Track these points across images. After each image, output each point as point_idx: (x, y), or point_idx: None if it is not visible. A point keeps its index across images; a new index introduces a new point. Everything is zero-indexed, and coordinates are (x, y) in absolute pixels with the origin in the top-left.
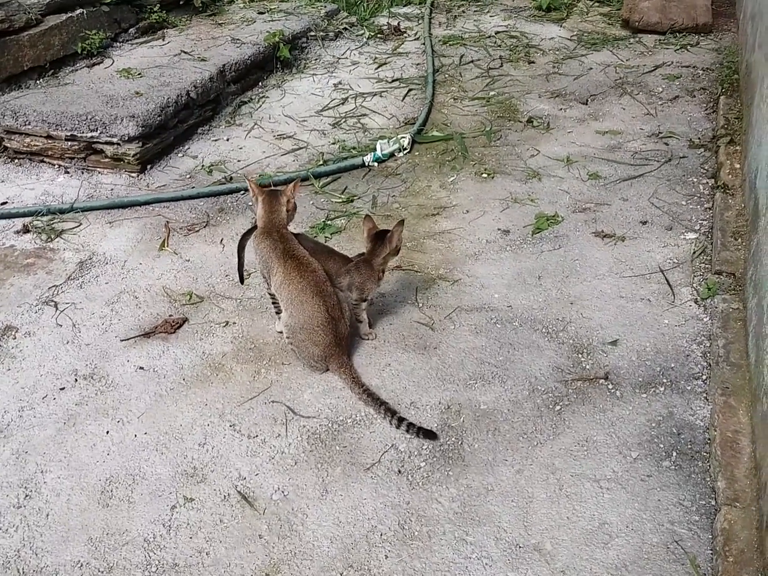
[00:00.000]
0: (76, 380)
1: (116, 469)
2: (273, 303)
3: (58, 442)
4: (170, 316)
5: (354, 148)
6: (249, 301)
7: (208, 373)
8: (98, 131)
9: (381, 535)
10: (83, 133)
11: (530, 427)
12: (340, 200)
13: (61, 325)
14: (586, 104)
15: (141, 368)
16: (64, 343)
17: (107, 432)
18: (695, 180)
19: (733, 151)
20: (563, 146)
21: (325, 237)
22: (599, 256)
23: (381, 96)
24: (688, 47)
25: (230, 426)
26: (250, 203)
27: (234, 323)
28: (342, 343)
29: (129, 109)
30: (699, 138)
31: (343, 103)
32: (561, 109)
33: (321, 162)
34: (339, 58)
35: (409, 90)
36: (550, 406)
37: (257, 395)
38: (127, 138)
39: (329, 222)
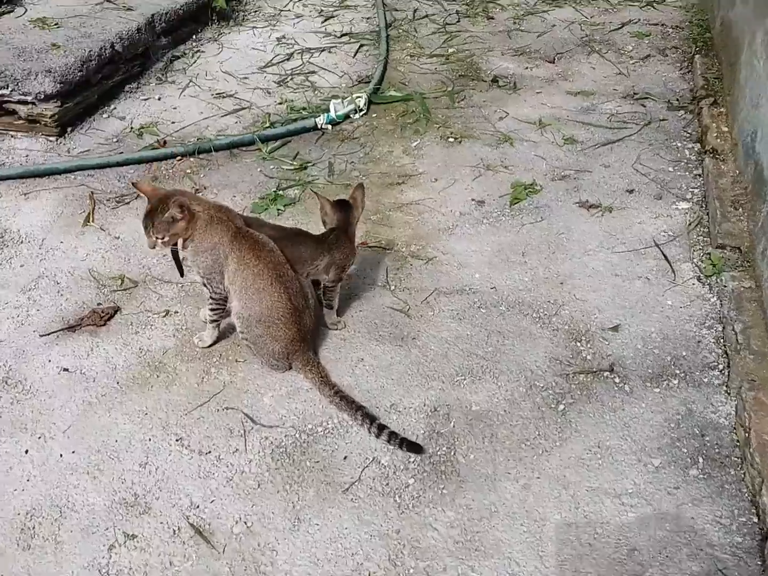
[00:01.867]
0: None
1: (39, 499)
2: (213, 309)
3: None
4: (99, 305)
5: (304, 108)
6: (192, 286)
7: (147, 374)
8: (9, 88)
9: (369, 574)
10: None
11: (532, 432)
12: (292, 167)
13: None
14: (553, 63)
15: (65, 370)
16: None
17: (26, 451)
18: (679, 144)
19: (718, 113)
20: (534, 108)
21: (278, 209)
22: (586, 228)
23: (330, 52)
24: (654, 4)
25: (177, 440)
26: (188, 171)
27: (176, 312)
28: (307, 336)
29: (45, 63)
30: (677, 99)
31: (288, 59)
32: (527, 68)
33: (268, 124)
34: (281, 10)
35: (361, 46)
36: (552, 406)
37: (207, 401)
38: (43, 96)
39: (281, 192)
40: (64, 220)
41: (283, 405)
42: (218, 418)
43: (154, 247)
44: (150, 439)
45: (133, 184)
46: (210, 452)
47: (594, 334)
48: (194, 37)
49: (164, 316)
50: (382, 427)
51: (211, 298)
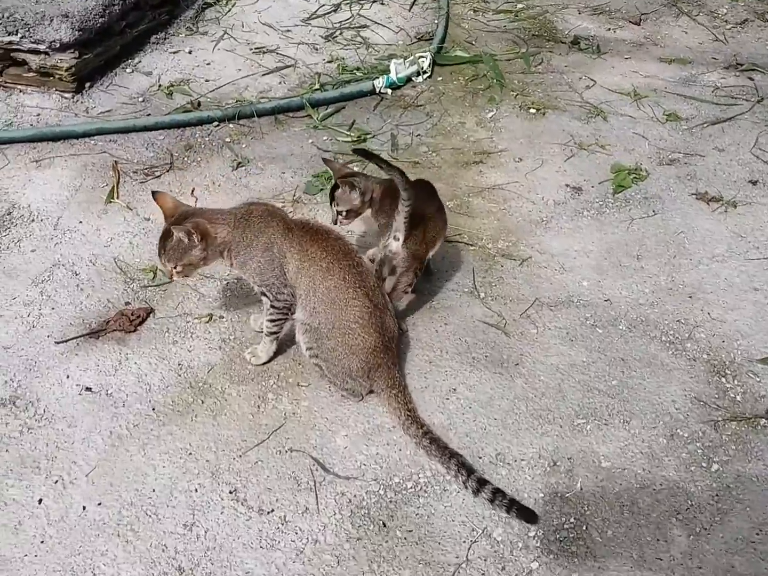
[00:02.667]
0: None
1: (56, 569)
2: (275, 320)
3: None
4: (127, 304)
5: (358, 69)
6: (239, 284)
7: (190, 398)
8: (18, 34)
9: None
10: None
11: (682, 501)
12: (349, 139)
13: None
14: (639, 24)
15: (88, 389)
16: None
17: (39, 501)
18: None
19: None
20: (624, 76)
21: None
22: (710, 227)
23: (382, 3)
24: None
25: (230, 492)
26: (228, 139)
27: (221, 318)
28: (391, 345)
29: (61, 7)
30: None
31: (335, 11)
32: (609, 29)
33: (317, 86)
34: None
35: None
36: (704, 465)
37: (266, 438)
38: (58, 45)
39: None
40: (83, 195)
41: (360, 448)
42: (280, 464)
43: (171, 278)
44: (196, 490)
45: (153, 193)
46: (273, 511)
47: (740, 367)
48: None
49: (207, 322)
50: (483, 482)
51: (272, 306)
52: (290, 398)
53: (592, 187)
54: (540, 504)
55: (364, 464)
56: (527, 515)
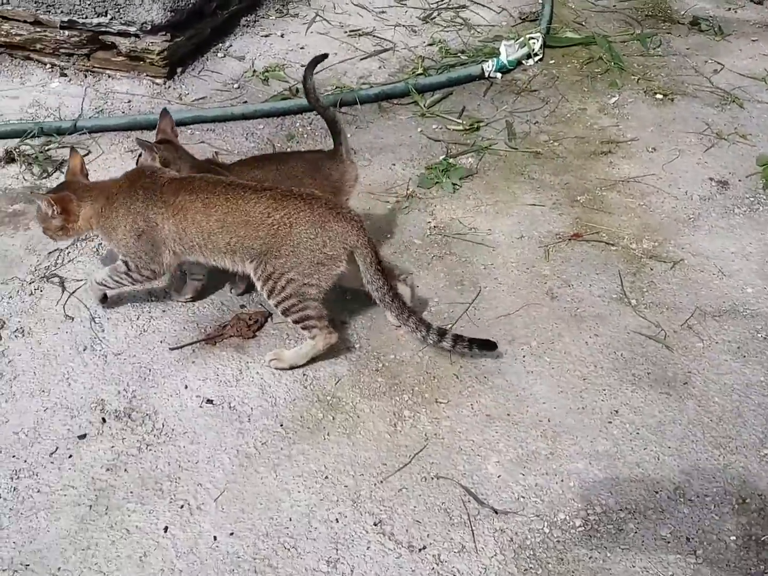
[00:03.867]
0: (104, 420)
1: None
2: (120, 283)
3: (78, 546)
4: (242, 307)
5: (462, 52)
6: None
7: (320, 414)
8: (108, 16)
9: None
10: (86, 17)
11: None
12: (461, 127)
13: (72, 318)
14: (761, 4)
15: (209, 402)
16: (80, 351)
17: (165, 529)
18: None
19: None
20: (754, 60)
21: (453, 184)
22: None
23: None
24: None
25: (375, 524)
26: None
27: (342, 323)
28: (332, 201)
29: None
30: None
31: None
32: (729, 8)
33: (420, 70)
34: None
35: None
36: None
37: (408, 462)
38: (150, 27)
39: (451, 160)
40: None
41: (516, 477)
42: (427, 492)
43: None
44: (337, 520)
45: (71, 149)
46: (425, 548)
47: None
48: None
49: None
50: (442, 333)
51: (127, 274)
52: (429, 416)
53: (739, 181)
54: (732, 549)
55: (523, 496)
56: (487, 347)
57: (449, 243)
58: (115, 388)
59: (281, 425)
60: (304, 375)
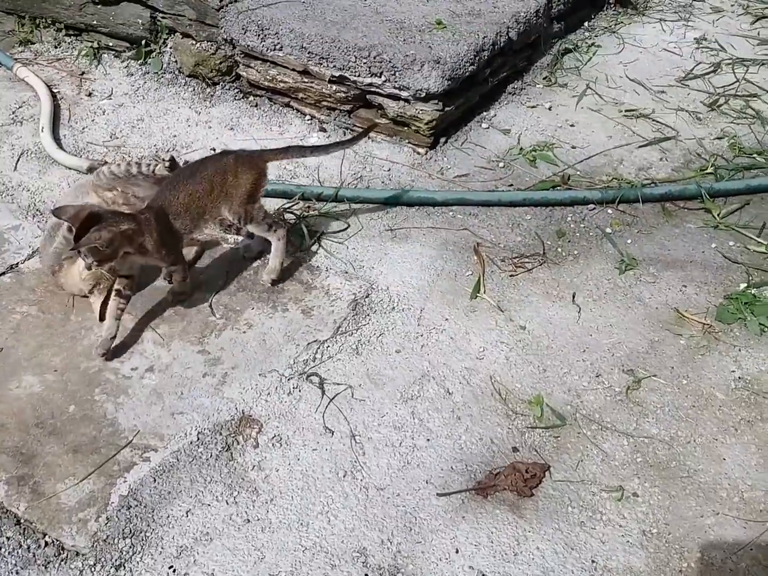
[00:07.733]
0: None
1: None
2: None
3: None
4: (515, 450)
5: (760, 153)
6: (657, 438)
7: None
8: (382, 77)
9: None
10: (359, 76)
11: None
12: (763, 248)
13: (331, 432)
14: None
15: None
16: (340, 478)
17: None
18: None
19: None
20: None
21: (761, 327)
22: None
23: None
24: None
25: None
26: (609, 230)
27: (634, 495)
28: None
29: (432, 50)
30: None
31: (714, 72)
32: None
33: (709, 169)
34: (693, 1)
35: None
36: None
37: None
38: (424, 94)
39: (755, 292)
40: (445, 283)
41: None
42: None
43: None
44: None
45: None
46: None
47: None
48: (586, 24)
49: (618, 500)
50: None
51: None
52: None
53: None
54: None
55: None
56: None
57: (761, 404)
58: (378, 535)
59: None
60: (592, 562)
